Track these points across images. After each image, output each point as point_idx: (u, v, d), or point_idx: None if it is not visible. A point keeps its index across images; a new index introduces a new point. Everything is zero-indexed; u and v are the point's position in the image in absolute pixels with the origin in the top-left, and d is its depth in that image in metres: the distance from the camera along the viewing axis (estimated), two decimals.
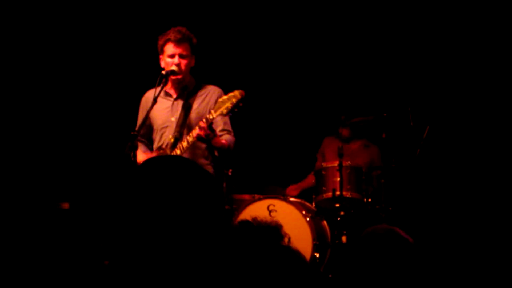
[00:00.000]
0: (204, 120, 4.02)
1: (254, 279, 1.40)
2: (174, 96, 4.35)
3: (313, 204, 5.27)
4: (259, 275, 1.40)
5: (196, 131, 4.02)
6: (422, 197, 5.49)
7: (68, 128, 5.91)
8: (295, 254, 1.47)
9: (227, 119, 4.32)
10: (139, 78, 5.35)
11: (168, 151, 4.23)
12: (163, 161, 1.57)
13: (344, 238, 4.91)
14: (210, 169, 4.29)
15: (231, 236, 1.48)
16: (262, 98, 6.10)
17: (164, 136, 4.34)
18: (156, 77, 4.14)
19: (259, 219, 1.54)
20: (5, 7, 5.59)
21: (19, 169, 5.55)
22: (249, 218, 1.53)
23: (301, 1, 6.25)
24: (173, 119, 4.31)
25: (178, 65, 4.20)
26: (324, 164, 5.33)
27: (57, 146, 5.82)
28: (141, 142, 4.51)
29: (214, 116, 4.00)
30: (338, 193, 5.05)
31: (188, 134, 4.19)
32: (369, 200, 5.19)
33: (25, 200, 5.29)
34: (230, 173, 5.01)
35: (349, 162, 5.19)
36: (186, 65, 4.25)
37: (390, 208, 5.09)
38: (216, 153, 4.25)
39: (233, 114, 4.01)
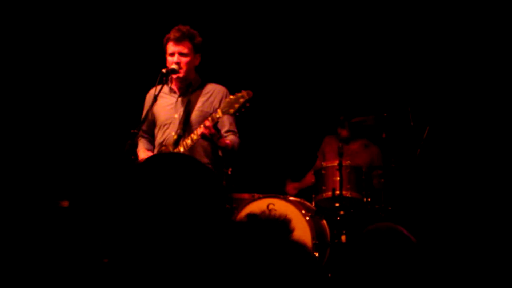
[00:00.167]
0: (209, 119, 4.03)
1: (262, 273, 1.40)
2: (178, 93, 4.37)
3: (313, 203, 5.26)
4: (267, 269, 1.40)
5: (201, 130, 4.03)
6: (422, 197, 5.49)
7: (68, 126, 5.91)
8: (303, 249, 1.47)
9: (232, 119, 4.33)
10: (140, 76, 5.35)
11: (170, 148, 4.25)
12: (167, 158, 1.56)
13: (343, 238, 4.91)
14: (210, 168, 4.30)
15: (238, 230, 1.48)
16: (262, 98, 6.09)
17: (166, 133, 4.36)
18: (157, 76, 4.16)
19: (267, 213, 1.54)
20: (4, 5, 5.59)
21: (18, 167, 5.55)
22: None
23: (301, 1, 6.25)
24: (176, 116, 4.33)
25: (178, 63, 4.22)
26: (324, 164, 5.33)
27: (56, 144, 5.82)
28: (144, 137, 4.53)
29: (220, 115, 4.01)
30: (337, 192, 5.04)
31: (190, 131, 4.21)
32: (369, 199, 5.19)
33: (24, 198, 5.29)
34: (229, 172, 5.01)
35: (349, 161, 5.19)
36: (187, 63, 4.25)
37: (390, 208, 5.09)
38: (220, 153, 4.26)
39: (240, 114, 4.01)
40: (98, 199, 5.50)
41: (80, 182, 5.80)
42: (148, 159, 1.57)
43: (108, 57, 6.05)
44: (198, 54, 4.33)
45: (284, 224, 1.53)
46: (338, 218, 4.98)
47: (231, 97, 3.99)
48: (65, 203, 5.20)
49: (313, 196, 5.30)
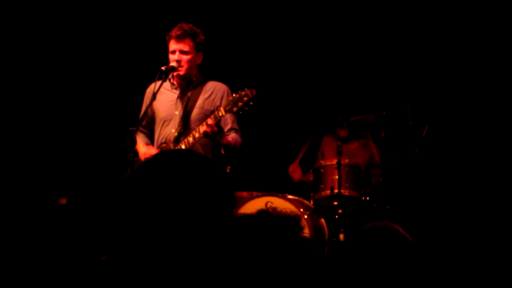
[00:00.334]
0: (212, 117, 4.03)
1: (272, 269, 1.39)
2: (180, 90, 4.37)
3: (311, 201, 5.26)
4: (277, 265, 1.40)
5: (203, 128, 4.02)
6: (421, 196, 5.49)
7: (66, 123, 5.90)
8: (314, 246, 1.48)
9: (235, 117, 4.33)
10: (139, 73, 5.35)
11: (171, 146, 4.25)
12: (177, 155, 1.54)
13: (341, 236, 4.91)
14: None
15: (248, 225, 1.47)
16: (261, 96, 6.08)
17: (166, 129, 4.36)
18: (157, 73, 4.15)
19: (278, 209, 1.54)
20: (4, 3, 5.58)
21: (16, 164, 5.54)
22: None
23: (300, 1, 6.24)
24: (176, 112, 4.34)
25: (178, 61, 4.22)
26: (322, 162, 5.33)
27: (54, 141, 5.81)
28: (142, 132, 4.52)
29: (223, 113, 4.00)
30: (336, 191, 5.04)
31: (190, 129, 4.21)
32: (367, 198, 5.19)
33: (22, 196, 5.28)
34: (228, 170, 5.01)
35: (347, 160, 5.19)
36: (188, 61, 4.25)
37: (388, 207, 5.09)
38: (222, 151, 4.25)
39: (243, 112, 4.00)
40: (96, 196, 5.49)
41: (78, 179, 5.79)
42: (158, 155, 1.55)
43: (107, 54, 6.04)
44: (201, 52, 4.32)
45: (294, 221, 1.53)
46: (337, 217, 4.99)
47: (235, 95, 3.98)
48: (63, 201, 5.20)
49: (312, 194, 5.30)
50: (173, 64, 4.22)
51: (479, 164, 5.66)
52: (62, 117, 5.88)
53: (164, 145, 4.35)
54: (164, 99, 4.38)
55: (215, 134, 4.03)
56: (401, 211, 5.18)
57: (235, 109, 3.95)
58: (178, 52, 4.23)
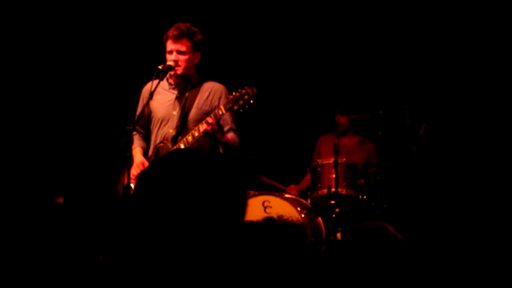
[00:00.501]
0: (212, 115, 4.03)
1: (276, 275, 1.39)
2: (177, 90, 4.36)
3: (308, 200, 5.26)
4: (283, 272, 1.40)
5: (203, 126, 4.02)
6: (418, 194, 5.50)
7: (63, 122, 5.89)
8: (319, 253, 1.48)
9: (233, 118, 4.34)
10: (136, 72, 5.34)
11: (169, 145, 4.25)
12: (192, 154, 1.50)
13: (339, 235, 4.90)
14: None
15: (255, 233, 1.46)
16: (259, 96, 6.08)
17: (163, 129, 4.36)
18: (154, 72, 4.15)
19: (284, 218, 1.53)
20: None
21: (13, 163, 5.53)
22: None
23: (297, 1, 6.24)
24: (174, 113, 4.34)
25: (175, 61, 4.22)
26: (319, 161, 5.32)
27: (52, 140, 5.81)
28: (139, 133, 4.52)
29: (224, 111, 4.00)
30: (333, 190, 5.04)
31: (188, 129, 4.21)
32: (364, 197, 5.19)
33: (19, 195, 5.27)
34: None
35: (344, 159, 5.19)
36: (185, 61, 4.26)
37: (385, 206, 5.09)
38: (221, 149, 4.25)
39: (244, 110, 4.00)
40: (93, 196, 5.49)
41: (75, 179, 5.79)
42: (171, 153, 1.51)
43: (104, 53, 6.03)
44: (198, 52, 4.32)
45: (300, 229, 1.52)
46: (334, 216, 4.98)
47: (235, 93, 3.99)
48: (60, 200, 5.19)
49: (309, 193, 5.30)
50: (170, 63, 4.22)
51: (476, 162, 5.66)
52: (59, 116, 5.87)
53: (161, 144, 4.34)
54: (162, 99, 4.38)
55: (216, 133, 4.04)
56: (398, 210, 5.18)
57: (235, 107, 3.96)
58: (175, 52, 4.23)
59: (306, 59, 6.39)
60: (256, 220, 1.57)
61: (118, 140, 4.11)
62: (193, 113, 4.30)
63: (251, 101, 3.95)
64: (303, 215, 4.90)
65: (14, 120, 5.64)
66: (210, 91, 4.36)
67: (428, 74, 5.99)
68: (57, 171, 5.73)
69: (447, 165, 5.77)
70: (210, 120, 4.01)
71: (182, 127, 4.28)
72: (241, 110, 3.99)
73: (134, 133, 4.42)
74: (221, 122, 4.20)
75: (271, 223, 1.52)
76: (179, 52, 4.24)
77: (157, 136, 4.40)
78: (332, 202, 5.03)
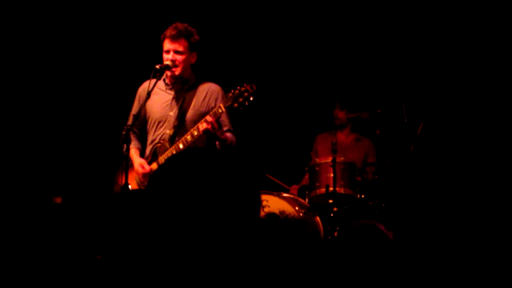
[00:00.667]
0: (212, 114, 4.03)
1: (278, 270, 1.38)
2: (174, 91, 4.37)
3: (306, 200, 5.26)
4: (284, 267, 1.39)
5: (203, 125, 4.01)
6: (416, 193, 5.50)
7: (61, 121, 5.89)
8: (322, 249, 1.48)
9: (229, 119, 4.33)
10: (133, 71, 5.33)
11: (167, 145, 4.26)
12: (207, 153, 1.48)
13: (337, 234, 4.91)
14: None
15: (257, 229, 1.45)
16: (256, 94, 6.07)
17: (160, 130, 4.36)
18: (151, 71, 4.15)
19: (286, 213, 1.53)
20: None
21: (11, 162, 5.52)
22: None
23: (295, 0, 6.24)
24: (171, 113, 4.34)
25: (173, 61, 4.23)
26: (317, 160, 5.32)
27: (50, 139, 5.80)
28: (134, 133, 4.51)
29: (223, 109, 4.00)
30: (331, 189, 5.04)
31: (185, 130, 4.21)
32: (363, 196, 5.19)
33: (17, 194, 5.27)
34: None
35: (342, 158, 5.19)
36: (182, 61, 4.27)
37: (383, 205, 5.09)
38: (218, 146, 4.25)
39: (244, 108, 3.98)
40: (91, 195, 5.48)
41: (73, 178, 5.78)
42: (184, 152, 1.49)
43: (100, 52, 6.02)
44: (195, 52, 4.33)
45: (302, 225, 1.52)
46: (332, 215, 4.98)
47: (234, 91, 3.97)
48: (58, 199, 5.19)
49: (307, 192, 5.30)
50: (167, 63, 4.23)
51: (474, 161, 5.67)
52: (56, 115, 5.87)
53: (159, 144, 4.35)
54: (159, 99, 4.38)
55: (216, 131, 4.04)
56: (396, 209, 5.19)
57: (235, 105, 3.95)
58: (172, 52, 4.24)
59: (304, 58, 6.38)
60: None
61: (116, 139, 4.12)
62: (190, 114, 4.31)
63: (251, 98, 3.94)
64: (301, 214, 4.90)
65: (12, 119, 5.63)
66: (207, 92, 4.37)
67: (426, 73, 5.99)
68: (55, 170, 5.72)
69: (445, 164, 5.78)
70: (209, 118, 4.01)
71: (179, 128, 4.28)
72: (241, 108, 3.97)
73: (130, 132, 4.41)
74: (219, 120, 4.21)
75: (273, 219, 1.52)
76: (176, 52, 4.25)
77: (154, 137, 4.40)
78: (330, 201, 5.03)
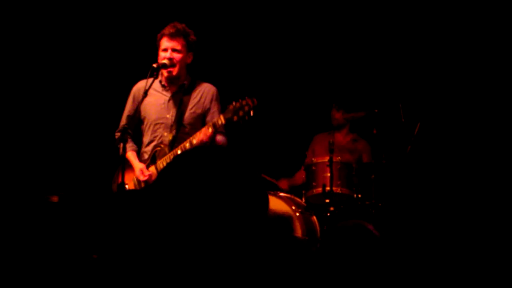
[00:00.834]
0: (211, 124, 4.02)
1: (264, 267, 1.38)
2: (170, 92, 4.37)
3: (303, 199, 5.26)
4: (269, 263, 1.39)
5: (201, 137, 4.01)
6: (413, 193, 5.50)
7: (57, 120, 5.88)
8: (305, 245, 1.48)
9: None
10: (128, 70, 5.33)
11: (166, 150, 4.26)
12: (220, 152, 1.48)
13: (325, 233, 4.90)
14: None
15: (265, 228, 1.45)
16: (255, 94, 6.07)
17: (157, 132, 4.37)
18: (147, 70, 4.15)
19: (272, 210, 1.53)
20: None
21: (8, 162, 5.52)
22: None
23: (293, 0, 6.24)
24: (168, 116, 4.35)
25: (170, 59, 4.23)
26: (314, 160, 5.32)
27: (46, 139, 5.80)
28: (128, 133, 4.51)
29: (223, 122, 3.97)
30: (328, 188, 5.04)
31: (183, 132, 4.23)
32: (359, 196, 5.19)
33: (14, 193, 5.26)
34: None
35: (339, 157, 5.19)
36: (179, 60, 4.28)
37: (380, 204, 5.09)
38: None
39: (244, 122, 3.91)
40: (88, 194, 5.48)
41: (69, 177, 5.78)
42: (196, 150, 1.49)
43: (96, 52, 6.02)
44: (191, 52, 4.35)
45: (286, 222, 1.52)
46: (328, 214, 4.98)
47: (235, 103, 3.92)
48: (55, 198, 5.18)
49: (304, 192, 5.30)
50: (164, 61, 4.23)
51: (471, 161, 5.67)
52: (53, 115, 5.86)
53: (158, 148, 4.35)
54: (154, 101, 4.38)
55: (212, 143, 4.07)
56: (392, 209, 5.19)
57: (235, 118, 3.89)
58: (170, 50, 4.26)
59: (301, 58, 6.39)
60: None
61: (112, 138, 4.11)
62: (187, 116, 4.33)
63: (251, 113, 3.86)
64: (297, 214, 4.90)
65: (9, 119, 5.62)
66: (202, 94, 4.38)
67: (423, 72, 5.99)
68: (51, 169, 5.72)
69: (442, 164, 5.78)
70: (209, 132, 4.00)
71: (177, 130, 4.30)
72: (240, 122, 3.89)
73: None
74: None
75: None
76: (174, 50, 4.27)
77: (151, 138, 4.40)
78: (327, 201, 5.04)
